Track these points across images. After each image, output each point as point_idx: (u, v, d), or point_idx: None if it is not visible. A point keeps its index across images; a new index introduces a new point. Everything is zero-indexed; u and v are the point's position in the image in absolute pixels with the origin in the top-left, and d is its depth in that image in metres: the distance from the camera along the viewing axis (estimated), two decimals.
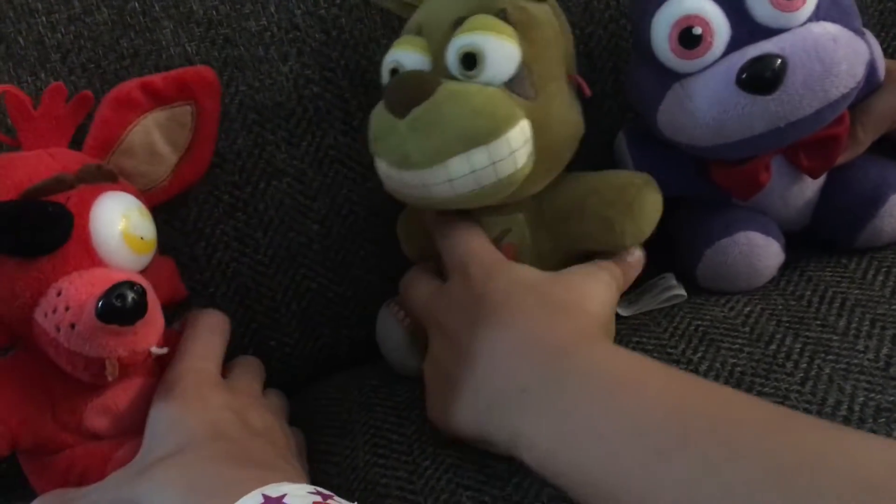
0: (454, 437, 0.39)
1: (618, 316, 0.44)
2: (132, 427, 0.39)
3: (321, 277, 0.52)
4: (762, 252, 0.45)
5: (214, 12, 0.48)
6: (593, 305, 0.39)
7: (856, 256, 0.47)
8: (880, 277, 0.45)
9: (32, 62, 0.46)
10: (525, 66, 0.40)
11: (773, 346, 0.41)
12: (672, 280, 0.47)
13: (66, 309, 0.35)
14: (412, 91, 0.38)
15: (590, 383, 0.33)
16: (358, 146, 0.51)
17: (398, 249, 0.49)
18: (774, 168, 0.46)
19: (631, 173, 0.43)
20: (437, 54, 0.40)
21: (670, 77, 0.43)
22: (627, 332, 0.44)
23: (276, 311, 0.52)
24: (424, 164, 0.38)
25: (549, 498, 0.36)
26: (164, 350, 0.40)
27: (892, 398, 0.36)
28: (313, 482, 0.41)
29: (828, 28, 0.40)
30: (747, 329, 0.43)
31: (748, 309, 0.44)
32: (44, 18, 0.46)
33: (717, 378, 0.40)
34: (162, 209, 0.45)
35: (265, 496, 0.30)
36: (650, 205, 0.42)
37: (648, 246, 0.44)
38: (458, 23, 0.40)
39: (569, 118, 0.42)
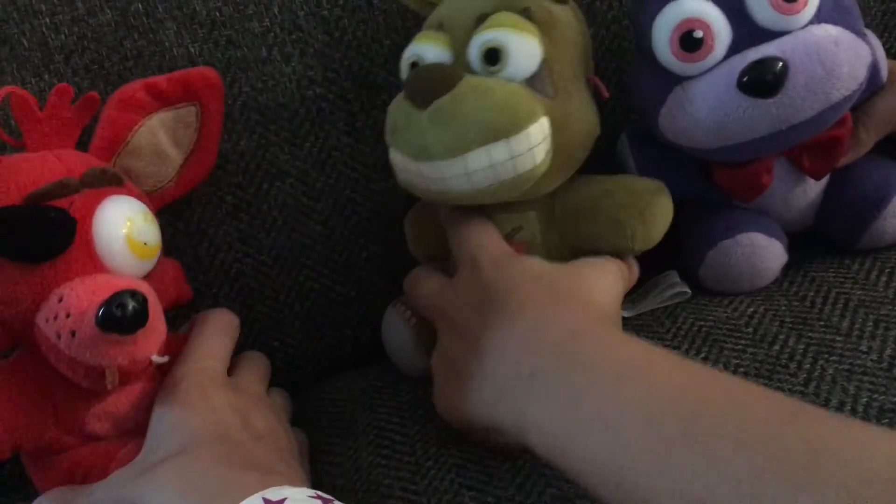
0: (462, 427, 0.39)
1: (622, 316, 0.44)
2: (135, 429, 0.39)
3: (324, 278, 0.53)
4: (765, 253, 0.45)
5: (218, 14, 0.48)
6: (601, 296, 0.39)
7: (859, 257, 0.47)
8: (884, 278, 0.45)
9: (36, 63, 0.46)
10: (546, 65, 0.40)
11: (777, 347, 0.41)
12: (675, 277, 0.47)
13: (67, 316, 0.35)
14: (435, 83, 0.39)
15: (598, 370, 0.33)
16: (361, 147, 0.52)
17: (401, 250, 0.49)
18: (777, 170, 0.46)
19: (646, 180, 0.44)
20: (459, 49, 0.41)
21: (671, 80, 0.43)
22: (630, 333, 0.44)
23: (279, 311, 0.52)
24: (443, 156, 0.38)
25: (551, 498, 0.36)
26: (166, 359, 0.39)
27: (895, 399, 0.36)
28: (316, 483, 0.41)
29: (829, 30, 0.40)
30: (750, 330, 0.43)
31: (751, 310, 0.44)
32: (47, 20, 0.46)
33: None
34: (165, 210, 0.45)
35: (266, 500, 0.30)
36: (662, 213, 0.42)
37: (652, 248, 0.44)
38: (481, 19, 0.40)
39: (586, 118, 0.42)
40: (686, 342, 0.43)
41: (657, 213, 0.42)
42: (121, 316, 0.35)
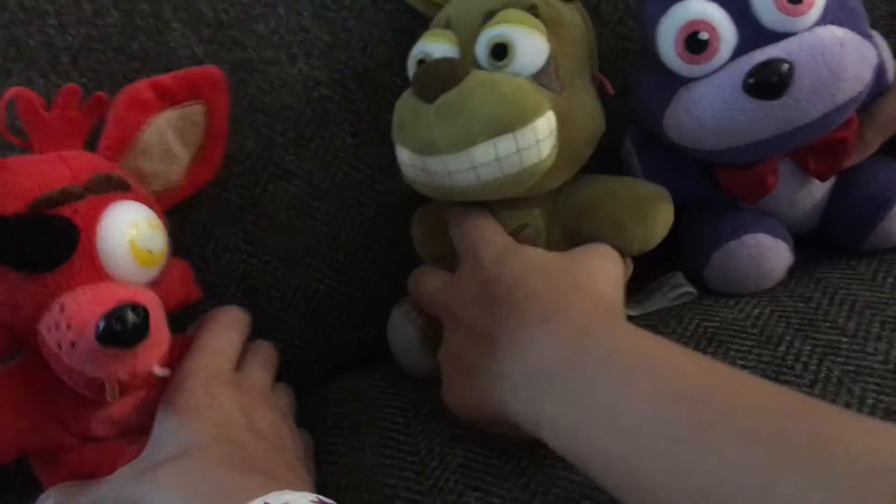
0: (473, 422, 0.39)
1: (628, 317, 0.44)
2: (140, 430, 0.39)
3: (329, 279, 0.53)
4: (770, 254, 0.45)
5: (224, 15, 0.49)
6: (605, 286, 0.39)
7: (865, 258, 0.47)
8: (890, 279, 0.45)
9: (43, 64, 0.46)
10: (553, 60, 0.40)
11: (782, 348, 0.41)
12: (681, 278, 0.47)
13: (68, 327, 0.35)
14: (442, 77, 0.39)
15: (608, 364, 0.33)
16: (367, 148, 0.52)
17: (407, 251, 0.49)
18: (782, 171, 0.46)
19: (650, 185, 0.44)
20: (466, 46, 0.41)
21: (676, 82, 0.43)
22: None
23: (284, 311, 0.52)
24: (450, 150, 0.39)
25: (556, 499, 0.36)
26: (168, 371, 0.39)
27: None
28: (321, 483, 0.41)
29: (835, 32, 0.40)
30: (756, 331, 0.43)
31: (757, 311, 0.44)
32: (54, 21, 0.46)
33: None
34: (171, 211, 0.45)
35: None
36: (662, 219, 0.42)
37: (655, 249, 0.44)
38: (488, 16, 0.41)
39: (592, 114, 0.42)
40: (692, 343, 0.43)
41: (658, 219, 0.42)
42: (121, 330, 0.34)
